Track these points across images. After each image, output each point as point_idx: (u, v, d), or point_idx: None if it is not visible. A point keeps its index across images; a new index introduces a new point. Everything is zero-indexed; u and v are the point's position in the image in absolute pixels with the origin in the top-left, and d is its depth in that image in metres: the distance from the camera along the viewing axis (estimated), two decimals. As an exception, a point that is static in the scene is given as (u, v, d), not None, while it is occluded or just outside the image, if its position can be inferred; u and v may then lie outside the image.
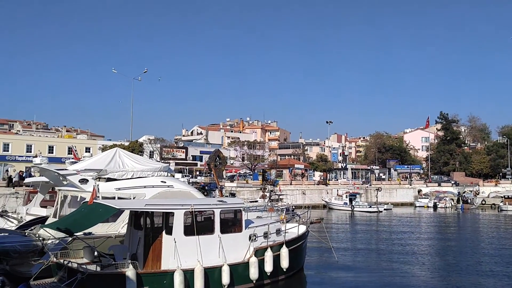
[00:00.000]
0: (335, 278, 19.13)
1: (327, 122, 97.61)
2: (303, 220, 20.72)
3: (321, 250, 24.77)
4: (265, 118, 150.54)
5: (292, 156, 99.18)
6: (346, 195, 61.26)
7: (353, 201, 60.12)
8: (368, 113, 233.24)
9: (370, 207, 59.58)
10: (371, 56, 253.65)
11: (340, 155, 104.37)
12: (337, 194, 64.21)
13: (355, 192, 63.19)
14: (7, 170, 57.39)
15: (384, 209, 60.05)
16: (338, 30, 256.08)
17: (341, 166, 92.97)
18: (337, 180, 79.87)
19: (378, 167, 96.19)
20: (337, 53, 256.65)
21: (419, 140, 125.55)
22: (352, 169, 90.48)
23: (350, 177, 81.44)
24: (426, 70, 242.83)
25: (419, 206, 68.43)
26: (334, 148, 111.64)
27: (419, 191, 76.00)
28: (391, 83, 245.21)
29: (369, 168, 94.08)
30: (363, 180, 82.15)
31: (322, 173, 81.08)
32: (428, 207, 67.32)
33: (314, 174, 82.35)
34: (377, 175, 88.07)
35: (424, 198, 71.33)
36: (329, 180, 76.16)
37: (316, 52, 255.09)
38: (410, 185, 79.04)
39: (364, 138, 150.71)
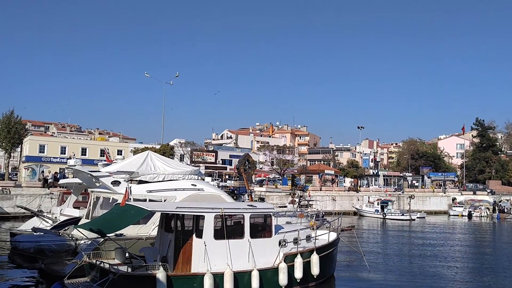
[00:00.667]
0: (366, 286, 18.74)
1: (358, 128, 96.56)
2: (334, 227, 20.44)
3: (352, 257, 24.37)
4: (295, 123, 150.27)
5: (322, 162, 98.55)
6: (378, 202, 60.25)
7: (384, 209, 59.05)
8: (401, 118, 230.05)
9: (403, 215, 58.38)
10: (405, 61, 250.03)
11: (372, 161, 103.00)
12: (368, 201, 63.26)
13: (387, 199, 62.08)
14: (42, 171, 58.95)
15: (417, 217, 58.69)
16: (369, 36, 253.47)
17: (373, 173, 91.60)
18: (369, 186, 78.73)
19: (411, 174, 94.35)
20: (369, 58, 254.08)
21: (453, 147, 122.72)
22: (384, 175, 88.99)
23: (382, 184, 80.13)
24: (462, 76, 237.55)
25: (453, 215, 66.68)
26: (365, 154, 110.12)
27: (454, 199, 74.09)
28: (425, 88, 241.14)
29: (401, 175, 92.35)
30: (395, 187, 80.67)
31: (353, 179, 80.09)
32: (462, 216, 65.53)
33: (344, 180, 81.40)
34: (410, 182, 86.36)
35: (459, 206, 69.51)
36: (360, 187, 75.15)
37: (347, 57, 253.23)
38: (444, 193, 77.15)
39: (396, 144, 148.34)
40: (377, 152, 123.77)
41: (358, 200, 66.67)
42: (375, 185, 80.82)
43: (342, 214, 23.19)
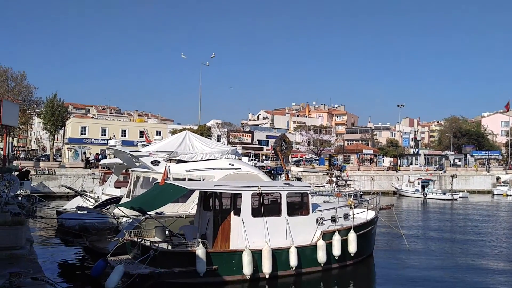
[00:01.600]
0: (405, 265, 18.50)
1: (398, 106, 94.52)
2: (372, 205, 20.20)
3: (391, 236, 24.08)
4: (332, 102, 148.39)
5: (360, 141, 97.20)
6: (418, 182, 58.96)
7: (425, 188, 57.77)
8: (443, 96, 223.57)
9: (444, 194, 57.01)
10: (447, 37, 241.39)
11: (412, 140, 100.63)
12: (409, 181, 61.98)
13: (428, 178, 60.64)
14: (84, 152, 60.73)
15: (460, 197, 57.20)
16: (409, 12, 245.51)
17: (413, 152, 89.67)
18: (409, 166, 77.15)
19: (453, 153, 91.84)
20: (409, 34, 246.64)
21: (498, 125, 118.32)
22: (424, 154, 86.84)
23: (423, 163, 78.22)
24: (508, 50, 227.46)
25: (497, 194, 64.63)
26: (405, 132, 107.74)
27: (498, 178, 71.65)
28: (468, 64, 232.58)
29: (443, 153, 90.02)
30: (437, 166, 78.80)
31: (392, 159, 78.66)
32: (507, 195, 63.40)
33: (383, 159, 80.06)
34: (452, 161, 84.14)
35: (503, 185, 67.23)
36: (399, 166, 73.75)
37: (386, 33, 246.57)
38: (488, 172, 74.77)
39: (438, 122, 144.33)
40: (417, 131, 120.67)
41: (398, 179, 65.51)
42: (415, 164, 79.13)
43: (381, 194, 22.76)
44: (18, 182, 29.48)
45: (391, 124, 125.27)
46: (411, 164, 79.89)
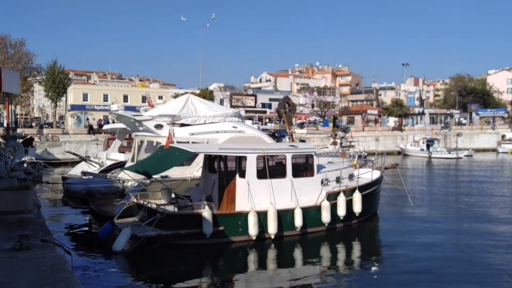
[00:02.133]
0: (410, 224, 18.64)
1: (403, 65, 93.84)
2: (377, 165, 20.19)
3: (396, 196, 24.21)
4: (336, 63, 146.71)
5: (365, 102, 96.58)
6: (423, 141, 58.85)
7: (430, 147, 57.73)
8: (449, 54, 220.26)
9: (449, 153, 56.96)
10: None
11: (417, 100, 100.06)
12: (413, 140, 61.85)
13: (433, 137, 60.51)
14: (87, 119, 60.73)
15: (464, 155, 57.16)
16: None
17: (418, 111, 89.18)
18: (414, 125, 76.95)
19: (458, 111, 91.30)
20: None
21: (504, 82, 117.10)
22: (430, 114, 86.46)
23: (428, 122, 78.03)
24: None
25: (502, 152, 64.63)
26: (410, 92, 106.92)
27: (503, 136, 71.41)
28: (474, 21, 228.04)
29: (448, 112, 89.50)
30: (442, 125, 78.50)
31: (397, 119, 78.41)
32: (512, 153, 63.47)
33: (388, 120, 79.84)
34: (457, 120, 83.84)
35: (508, 143, 67.10)
36: (404, 126, 73.58)
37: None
38: (493, 130, 74.48)
39: (443, 81, 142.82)
40: (422, 90, 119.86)
41: (403, 139, 65.40)
42: (420, 123, 78.90)
43: (386, 154, 22.71)
44: (23, 149, 29.56)
45: (396, 83, 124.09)
46: (416, 123, 79.67)
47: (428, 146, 57.76)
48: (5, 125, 38.30)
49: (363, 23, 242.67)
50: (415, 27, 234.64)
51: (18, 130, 46.03)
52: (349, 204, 16.38)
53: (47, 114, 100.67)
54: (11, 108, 49.59)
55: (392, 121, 78.28)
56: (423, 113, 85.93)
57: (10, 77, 29.85)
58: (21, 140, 34.31)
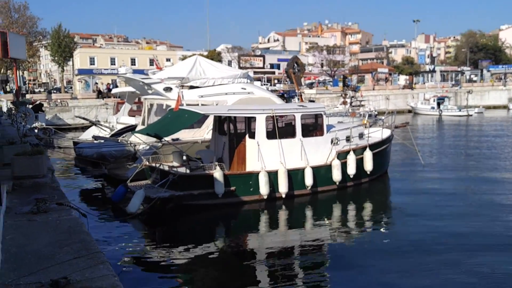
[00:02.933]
0: (420, 182, 18.73)
1: (413, 21, 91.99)
2: (387, 124, 20.13)
3: (407, 154, 24.21)
4: (345, 20, 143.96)
5: (375, 60, 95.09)
6: (434, 99, 58.25)
7: (441, 105, 57.18)
8: (460, 9, 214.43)
9: (460, 110, 56.45)
10: None
11: (428, 57, 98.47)
12: (424, 98, 61.23)
13: (444, 95, 59.86)
14: (96, 83, 60.62)
15: (475, 113, 56.67)
16: None
17: (429, 69, 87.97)
18: (424, 83, 76.02)
19: (469, 68, 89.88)
20: None
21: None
22: (440, 71, 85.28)
23: (439, 80, 77.02)
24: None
25: (513, 109, 63.93)
26: (421, 49, 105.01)
27: (515, 92, 70.49)
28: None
29: (459, 69, 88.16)
30: (453, 82, 77.44)
31: (407, 77, 77.46)
32: (523, 110, 62.73)
33: (399, 78, 78.90)
34: (468, 77, 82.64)
35: (520, 100, 66.27)
36: (415, 84, 72.74)
37: None
38: (505, 86, 73.30)
39: (454, 37, 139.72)
40: (433, 47, 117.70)
41: (413, 98, 64.75)
42: (431, 81, 77.90)
43: (396, 113, 22.56)
44: (33, 114, 29.74)
45: (407, 41, 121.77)
46: (427, 81, 78.64)
47: (438, 104, 57.22)
48: (14, 91, 38.39)
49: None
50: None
51: (27, 96, 46.19)
52: (360, 162, 16.42)
53: (54, 79, 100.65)
54: (19, 73, 49.62)
55: (402, 79, 77.36)
56: (433, 71, 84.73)
57: (16, 42, 29.67)
58: (30, 106, 34.50)
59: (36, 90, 70.42)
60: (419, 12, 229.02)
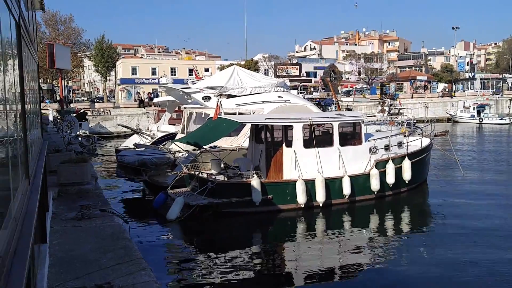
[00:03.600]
0: (460, 191, 18.29)
1: (453, 28, 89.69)
2: (426, 132, 19.79)
3: (446, 163, 23.68)
4: (383, 28, 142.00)
5: (413, 68, 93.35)
6: (474, 107, 56.64)
7: (481, 113, 55.54)
8: (502, 15, 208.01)
9: (501, 118, 54.63)
10: None
11: (468, 64, 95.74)
12: (464, 106, 59.67)
13: (484, 103, 58.13)
14: (138, 92, 62.01)
15: (517, 121, 54.72)
16: None
17: (469, 76, 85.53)
18: (464, 91, 74.10)
19: (511, 76, 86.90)
20: None
21: None
22: (481, 79, 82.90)
23: (479, 88, 74.93)
24: None
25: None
26: (460, 56, 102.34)
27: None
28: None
29: (501, 77, 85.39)
30: (494, 90, 75.12)
31: (446, 85, 75.68)
32: None
33: (437, 86, 77.15)
34: (509, 85, 79.91)
35: None
36: (454, 92, 71.00)
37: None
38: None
39: (495, 44, 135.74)
40: (473, 54, 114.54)
41: (453, 106, 63.17)
42: (471, 89, 75.87)
43: (435, 121, 22.14)
44: (77, 123, 30.81)
45: (446, 48, 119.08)
46: (467, 89, 76.63)
47: (479, 112, 55.60)
48: (59, 100, 39.86)
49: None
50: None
51: (71, 105, 47.80)
52: (399, 171, 16.21)
53: (97, 89, 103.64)
54: (64, 83, 51.41)
55: (441, 87, 75.62)
56: (473, 78, 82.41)
57: (62, 53, 30.92)
58: (74, 115, 35.70)
59: (80, 99, 72.65)
60: (459, 19, 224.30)
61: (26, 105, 5.52)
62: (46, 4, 13.26)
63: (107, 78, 67.50)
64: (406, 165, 16.37)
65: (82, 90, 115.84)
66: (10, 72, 4.14)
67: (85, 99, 71.40)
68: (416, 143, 18.16)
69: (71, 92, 75.76)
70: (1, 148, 3.23)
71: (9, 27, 4.10)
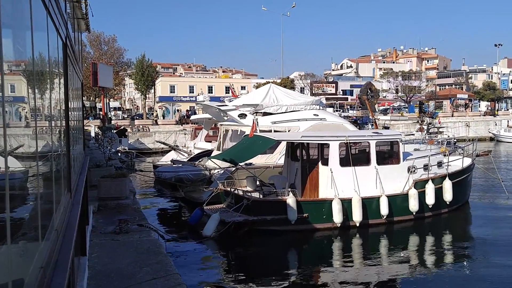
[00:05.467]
0: (504, 213, 17.57)
1: (495, 45, 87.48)
2: (468, 152, 19.23)
3: (489, 184, 22.87)
4: (421, 46, 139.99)
5: (454, 86, 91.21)
6: (518, 126, 54.80)
7: (526, 133, 53.60)
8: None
9: (548, 139, 52.55)
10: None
11: (511, 82, 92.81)
12: (508, 125, 57.73)
13: (529, 122, 56.13)
14: (178, 110, 63.00)
15: None
16: None
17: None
18: (508, 110, 71.78)
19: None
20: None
21: None
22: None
23: (524, 106, 72.37)
24: None
25: None
26: (504, 74, 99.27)
27: None
28: None
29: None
30: (540, 108, 72.48)
31: (489, 103, 73.54)
32: None
33: (479, 104, 75.04)
34: (558, 103, 76.91)
35: None
36: (497, 111, 68.82)
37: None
38: None
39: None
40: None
41: (496, 125, 61.24)
42: (515, 108, 73.35)
43: (477, 140, 21.52)
44: (117, 139, 31.62)
45: (488, 66, 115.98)
46: (511, 107, 74.18)
47: (524, 132, 53.65)
48: (101, 116, 41.07)
49: (450, 2, 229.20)
50: (508, 3, 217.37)
51: (112, 122, 49.14)
52: (438, 192, 15.76)
53: (137, 106, 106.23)
54: (107, 101, 52.98)
55: (483, 105, 73.55)
56: (518, 97, 79.77)
57: (105, 72, 32.04)
58: (115, 131, 36.67)
59: (120, 117, 74.65)
60: (501, 36, 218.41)
61: (70, 122, 5.74)
62: (91, 25, 13.77)
63: (147, 96, 69.10)
64: (447, 185, 15.91)
65: (122, 108, 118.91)
66: (56, 89, 4.32)
67: (125, 116, 73.21)
68: (457, 163, 17.68)
69: (116, 109, 77.80)
70: (46, 162, 3.36)
71: (56, 47, 4.30)
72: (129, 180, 13.81)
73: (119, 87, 72.68)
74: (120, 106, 68.78)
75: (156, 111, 70.18)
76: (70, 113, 5.85)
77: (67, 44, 5.45)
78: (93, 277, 6.35)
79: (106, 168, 13.99)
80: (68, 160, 5.19)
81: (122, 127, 43.13)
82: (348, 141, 14.82)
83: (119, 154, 27.65)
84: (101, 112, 57.31)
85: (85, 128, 26.20)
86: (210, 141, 24.50)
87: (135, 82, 65.81)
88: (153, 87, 70.07)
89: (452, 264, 12.34)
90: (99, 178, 11.72)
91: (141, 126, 48.51)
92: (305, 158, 15.96)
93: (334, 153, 14.75)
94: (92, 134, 31.56)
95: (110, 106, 69.81)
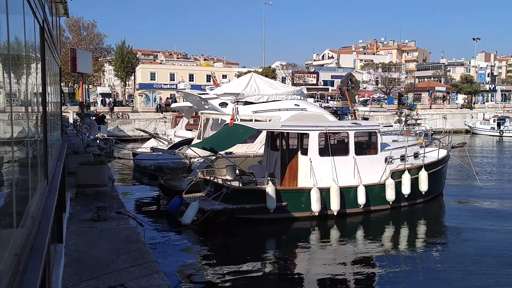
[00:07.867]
0: (477, 204, 18.03)
1: (473, 39, 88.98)
2: (444, 144, 19.60)
3: (463, 175, 23.39)
4: (402, 38, 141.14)
5: (432, 78, 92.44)
6: (494, 119, 55.88)
7: (502, 126, 54.75)
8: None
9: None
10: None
11: (488, 76, 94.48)
12: (483, 118, 58.89)
13: (505, 115, 57.29)
14: (160, 98, 62.38)
15: (540, 134, 53.73)
16: None
17: (489, 88, 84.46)
18: (484, 103, 73.15)
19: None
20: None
21: None
22: (502, 90, 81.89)
23: (499, 100, 73.88)
24: None
25: None
26: (481, 68, 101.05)
27: None
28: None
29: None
30: (515, 102, 74.01)
31: (466, 96, 74.75)
32: None
33: (457, 97, 76.25)
34: (532, 97, 78.62)
35: None
36: (474, 104, 70.06)
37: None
38: None
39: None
40: (494, 66, 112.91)
41: (472, 117, 62.41)
42: (491, 101, 74.84)
43: (454, 133, 21.92)
44: (96, 126, 31.24)
45: (466, 59, 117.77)
46: (487, 101, 75.63)
47: (499, 125, 54.82)
48: (79, 103, 40.48)
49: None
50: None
51: (91, 108, 48.48)
52: (414, 182, 16.06)
53: (116, 93, 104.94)
54: (85, 87, 52.18)
55: (461, 98, 74.74)
56: (494, 90, 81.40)
57: (84, 57, 31.46)
58: (94, 118, 36.21)
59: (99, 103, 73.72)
60: (480, 30, 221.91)
61: (47, 107, 5.66)
62: (70, 10, 13.51)
63: (127, 82, 68.25)
64: (423, 176, 16.21)
65: (114, 94, 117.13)
66: (33, 74, 4.26)
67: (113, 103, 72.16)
68: (433, 154, 18.01)
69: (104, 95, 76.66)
70: (22, 148, 3.33)
71: (33, 31, 4.23)
72: (108, 167, 13.70)
73: (99, 74, 71.54)
74: (110, 92, 67.22)
75: (137, 97, 69.38)
76: (47, 98, 5.77)
77: (44, 28, 5.36)
78: (70, 264, 6.31)
79: (84, 155, 13.82)
80: (45, 147, 5.13)
81: (101, 114, 42.60)
82: (327, 131, 14.96)
83: (98, 141, 27.32)
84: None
85: (63, 114, 25.81)
86: (191, 130, 24.42)
87: (114, 69, 64.98)
88: (133, 74, 69.24)
89: (427, 253, 12.61)
90: (77, 165, 11.58)
91: (120, 113, 48.00)
92: (284, 147, 16.05)
93: (313, 143, 14.87)
94: (71, 121, 31.11)
95: (99, 92, 68.54)
